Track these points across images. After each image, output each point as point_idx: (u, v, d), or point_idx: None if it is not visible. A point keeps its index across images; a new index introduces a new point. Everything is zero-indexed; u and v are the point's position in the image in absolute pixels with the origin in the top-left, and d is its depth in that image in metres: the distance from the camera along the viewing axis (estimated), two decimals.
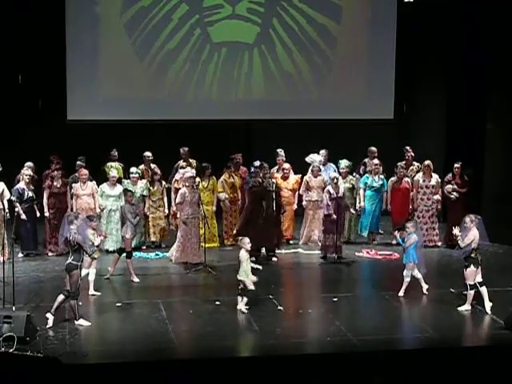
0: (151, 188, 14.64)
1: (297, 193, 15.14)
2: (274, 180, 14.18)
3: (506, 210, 14.97)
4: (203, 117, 16.76)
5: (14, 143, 15.77)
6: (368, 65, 17.35)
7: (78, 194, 14.06)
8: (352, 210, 14.53)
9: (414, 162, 15.66)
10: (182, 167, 14.72)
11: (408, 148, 15.88)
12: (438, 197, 14.91)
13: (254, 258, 13.78)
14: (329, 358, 9.49)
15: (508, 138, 15.30)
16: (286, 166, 15.15)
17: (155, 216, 14.67)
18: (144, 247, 14.60)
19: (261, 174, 13.86)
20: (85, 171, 14.25)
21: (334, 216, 13.63)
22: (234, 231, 14.36)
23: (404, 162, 15.61)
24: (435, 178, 14.97)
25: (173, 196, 14.54)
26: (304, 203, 15.08)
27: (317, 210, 14.76)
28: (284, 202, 14.77)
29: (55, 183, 14.08)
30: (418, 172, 15.37)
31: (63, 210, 13.84)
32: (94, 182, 14.34)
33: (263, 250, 13.98)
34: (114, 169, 14.74)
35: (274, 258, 13.94)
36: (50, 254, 13.98)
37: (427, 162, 14.95)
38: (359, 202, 15.04)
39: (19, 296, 11.03)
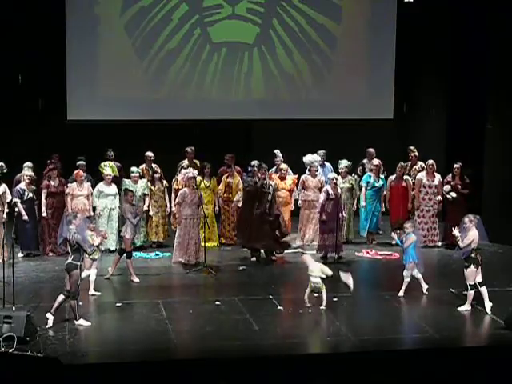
0: (152, 187, 14.65)
1: (294, 193, 15.13)
2: (272, 182, 14.12)
3: (506, 210, 14.97)
4: (203, 117, 16.76)
5: (14, 143, 15.76)
6: (368, 65, 17.35)
7: (75, 195, 14.05)
8: (344, 214, 14.42)
9: (419, 162, 15.66)
10: (183, 168, 14.71)
11: (412, 148, 15.88)
12: (439, 197, 14.91)
13: (254, 259, 13.83)
14: (329, 358, 9.49)
15: (508, 138, 15.29)
16: (284, 166, 15.14)
17: (157, 216, 14.67)
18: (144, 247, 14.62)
19: (259, 174, 13.84)
20: (81, 173, 14.24)
21: (324, 217, 13.65)
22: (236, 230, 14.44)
23: (409, 163, 15.62)
24: (438, 177, 14.97)
25: (172, 196, 14.56)
26: (300, 203, 15.08)
27: (312, 209, 14.75)
28: (282, 203, 14.74)
29: (52, 183, 14.07)
30: (420, 171, 15.38)
31: (61, 210, 13.86)
32: (89, 184, 14.35)
33: (262, 251, 13.98)
34: (108, 167, 14.72)
35: (274, 258, 13.93)
36: (50, 254, 13.97)
37: (431, 162, 14.94)
38: (362, 201, 15.02)
39: (19, 296, 11.02)
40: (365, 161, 15.82)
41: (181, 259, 13.52)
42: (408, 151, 15.89)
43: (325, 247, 13.85)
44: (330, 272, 11.13)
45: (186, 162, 15.07)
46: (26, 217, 13.44)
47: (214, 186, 14.84)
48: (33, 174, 13.97)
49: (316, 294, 11.15)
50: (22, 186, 13.77)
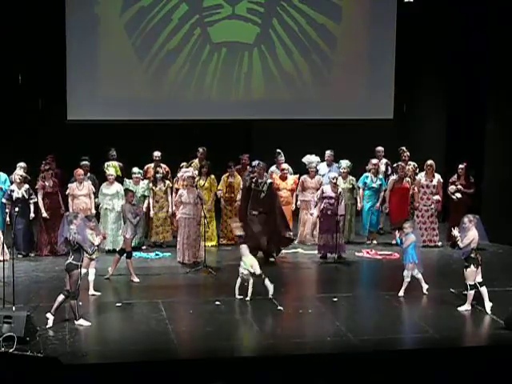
0: (154, 188, 14.65)
1: (295, 193, 15.13)
2: (268, 180, 14.07)
3: (506, 210, 14.97)
4: (203, 117, 16.77)
5: (13, 143, 15.77)
6: (368, 65, 17.36)
7: (75, 195, 14.05)
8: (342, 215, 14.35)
9: (410, 162, 15.68)
10: (182, 168, 14.71)
11: (404, 148, 15.90)
12: (437, 197, 14.91)
13: None
14: (329, 358, 9.49)
15: (508, 138, 15.29)
16: (285, 166, 15.15)
17: (159, 216, 14.67)
18: (144, 247, 14.60)
19: (256, 174, 13.80)
20: (81, 171, 14.24)
21: (315, 214, 13.70)
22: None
23: (401, 163, 15.63)
24: (437, 178, 14.97)
25: (173, 196, 14.56)
26: (298, 203, 15.08)
27: (310, 209, 14.75)
28: (283, 203, 14.73)
29: (47, 183, 14.05)
30: (414, 171, 15.39)
31: (56, 210, 13.87)
32: (90, 182, 14.36)
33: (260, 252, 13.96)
34: (111, 167, 14.75)
35: (272, 259, 13.91)
36: (47, 254, 13.94)
37: (430, 162, 14.94)
38: (359, 203, 15.04)
39: (19, 296, 11.02)
40: (377, 161, 15.84)
41: (180, 259, 13.52)
42: (400, 151, 15.88)
43: (324, 247, 13.86)
44: (258, 271, 11.44)
45: (195, 162, 15.03)
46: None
47: (211, 186, 14.80)
48: (24, 173, 13.94)
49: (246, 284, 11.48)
50: (12, 186, 13.75)
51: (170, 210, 14.65)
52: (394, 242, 14.47)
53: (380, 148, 15.94)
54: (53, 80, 16.04)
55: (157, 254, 14.24)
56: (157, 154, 15.12)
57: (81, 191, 14.08)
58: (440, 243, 14.92)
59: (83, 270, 11.30)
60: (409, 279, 11.71)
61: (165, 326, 10.39)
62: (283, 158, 15.31)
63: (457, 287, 11.79)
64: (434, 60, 17.27)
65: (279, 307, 11.20)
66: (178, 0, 16.57)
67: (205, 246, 13.44)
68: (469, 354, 9.79)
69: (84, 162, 14.77)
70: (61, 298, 10.34)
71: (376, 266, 13.94)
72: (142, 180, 14.59)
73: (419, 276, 11.76)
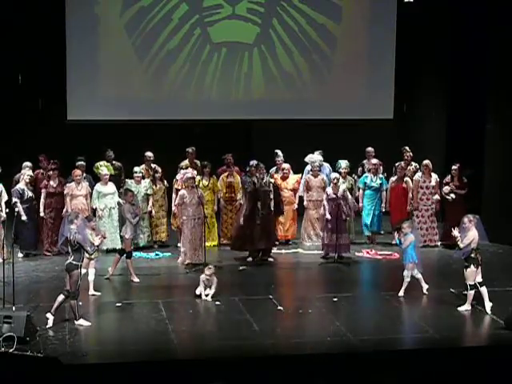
0: (154, 187, 14.66)
1: (298, 193, 15.12)
2: (271, 179, 14.15)
3: (505, 210, 14.97)
4: (203, 117, 16.77)
5: (13, 143, 15.78)
6: (368, 65, 17.37)
7: (74, 195, 14.04)
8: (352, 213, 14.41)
9: (412, 162, 15.67)
10: (182, 168, 14.72)
11: (407, 148, 15.88)
12: (437, 197, 14.92)
13: (250, 259, 13.80)
14: (329, 358, 9.49)
15: (508, 138, 15.29)
16: (286, 166, 15.15)
17: (157, 215, 14.68)
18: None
19: (256, 174, 13.81)
20: (78, 172, 14.21)
21: (328, 216, 13.65)
22: (232, 232, 14.37)
23: (403, 162, 15.62)
24: (434, 177, 14.98)
25: (173, 196, 14.55)
26: (305, 203, 15.06)
27: (318, 209, 14.73)
28: (284, 202, 14.75)
29: (51, 183, 14.06)
30: (415, 172, 15.39)
31: (60, 210, 13.89)
32: (87, 183, 14.36)
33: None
34: (103, 167, 14.74)
35: (271, 259, 13.90)
36: (47, 253, 13.97)
37: (426, 162, 14.94)
38: (359, 203, 15.04)
39: (19, 296, 11.02)
40: (365, 161, 15.84)
41: (189, 260, 13.44)
42: (403, 151, 15.86)
43: (327, 246, 13.86)
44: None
45: (186, 162, 15.06)
46: (24, 217, 13.41)
47: (213, 186, 14.82)
48: (32, 173, 13.99)
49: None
50: (22, 185, 13.77)
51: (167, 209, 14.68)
52: (393, 242, 14.48)
53: (370, 148, 15.88)
54: (53, 80, 16.05)
55: (157, 254, 14.25)
56: (149, 154, 15.10)
57: (79, 191, 14.07)
58: (439, 243, 14.93)
59: (83, 270, 11.32)
60: (409, 279, 11.71)
61: (165, 326, 10.38)
62: (282, 158, 15.29)
63: (457, 287, 11.79)
64: (434, 60, 17.28)
65: (279, 307, 11.20)
66: (178, 0, 16.59)
67: (204, 246, 13.43)
68: (469, 354, 9.78)
69: (80, 163, 14.70)
70: (61, 298, 10.33)
71: (376, 266, 13.93)
72: (143, 179, 14.61)
73: (419, 276, 11.76)
